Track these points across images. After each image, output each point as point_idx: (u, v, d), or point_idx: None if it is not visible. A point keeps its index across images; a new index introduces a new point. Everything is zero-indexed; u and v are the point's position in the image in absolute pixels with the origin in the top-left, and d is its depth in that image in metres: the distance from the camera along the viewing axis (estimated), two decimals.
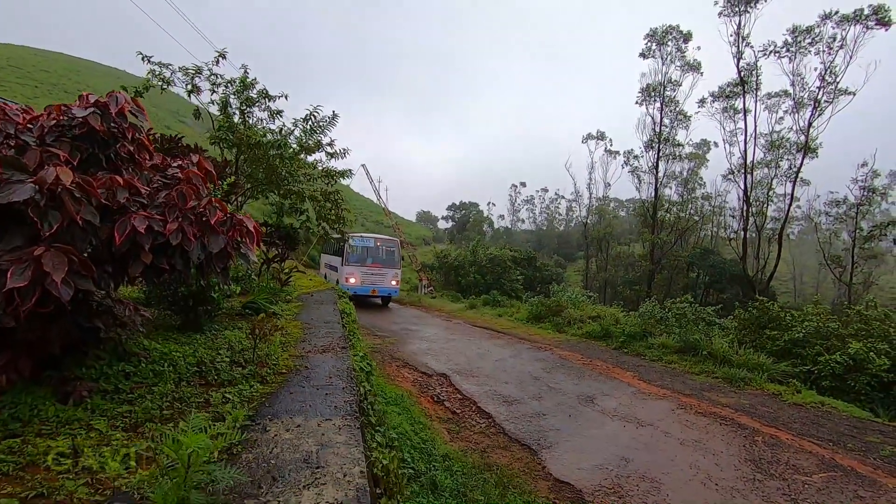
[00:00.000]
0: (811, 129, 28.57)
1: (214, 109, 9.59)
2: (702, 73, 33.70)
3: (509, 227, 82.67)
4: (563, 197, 71.97)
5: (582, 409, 10.48)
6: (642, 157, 39.44)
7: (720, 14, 29.33)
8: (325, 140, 9.97)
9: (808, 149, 28.79)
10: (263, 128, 9.71)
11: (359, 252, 19.32)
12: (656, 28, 33.45)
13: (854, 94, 27.18)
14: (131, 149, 3.88)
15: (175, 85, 8.99)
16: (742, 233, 33.79)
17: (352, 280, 18.52)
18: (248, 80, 9.40)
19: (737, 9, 28.49)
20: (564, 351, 15.64)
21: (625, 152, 42.84)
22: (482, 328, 19.50)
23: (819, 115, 28.19)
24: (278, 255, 9.51)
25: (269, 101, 9.76)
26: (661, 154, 36.19)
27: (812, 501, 6.49)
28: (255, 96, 9.47)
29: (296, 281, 10.67)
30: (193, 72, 8.99)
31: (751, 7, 28.10)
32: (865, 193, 31.85)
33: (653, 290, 32.82)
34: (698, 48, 33.64)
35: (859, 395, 11.39)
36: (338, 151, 10.23)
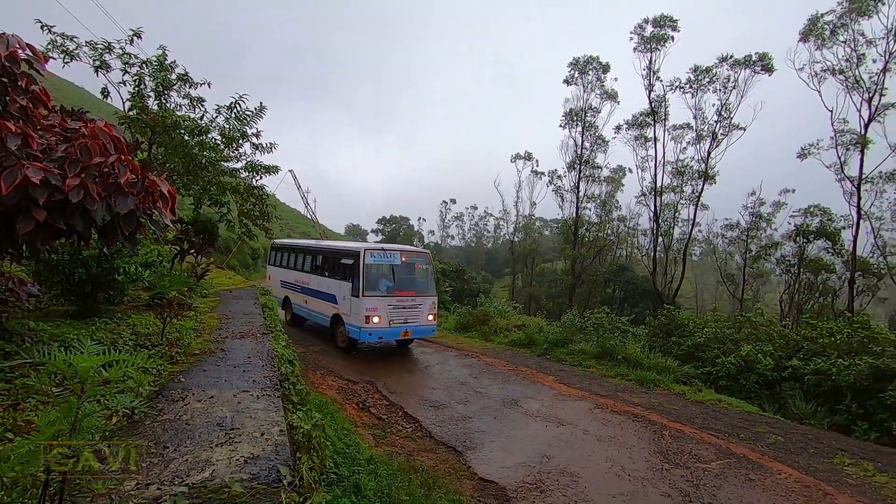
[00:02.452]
0: (710, 159, 31.91)
1: (126, 92, 8.76)
2: (618, 101, 36.62)
3: (439, 242, 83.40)
4: (491, 215, 74.11)
5: (507, 411, 10.67)
6: (565, 176, 41.86)
7: (635, 49, 32.17)
8: (251, 131, 9.48)
9: (707, 176, 32.05)
10: (183, 114, 9.01)
11: (380, 274, 12.38)
12: (578, 58, 35.95)
13: (744, 130, 30.83)
14: (23, 103, 3.44)
15: (79, 59, 8.10)
16: (652, 252, 36.67)
17: (375, 319, 11.70)
18: (165, 61, 8.74)
19: (649, 46, 31.43)
20: (491, 358, 15.87)
21: (549, 172, 45.30)
22: None
23: (716, 146, 31.59)
24: (193, 247, 8.84)
25: (190, 86, 9.12)
26: (582, 174, 38.61)
27: (711, 485, 7.04)
28: (173, 79, 8.81)
29: (213, 278, 9.94)
30: (103, 48, 8.16)
31: (661, 45, 31.16)
32: (753, 219, 35.93)
33: (574, 303, 34.53)
34: (615, 79, 36.61)
35: (749, 393, 12.65)
36: (264, 144, 9.74)
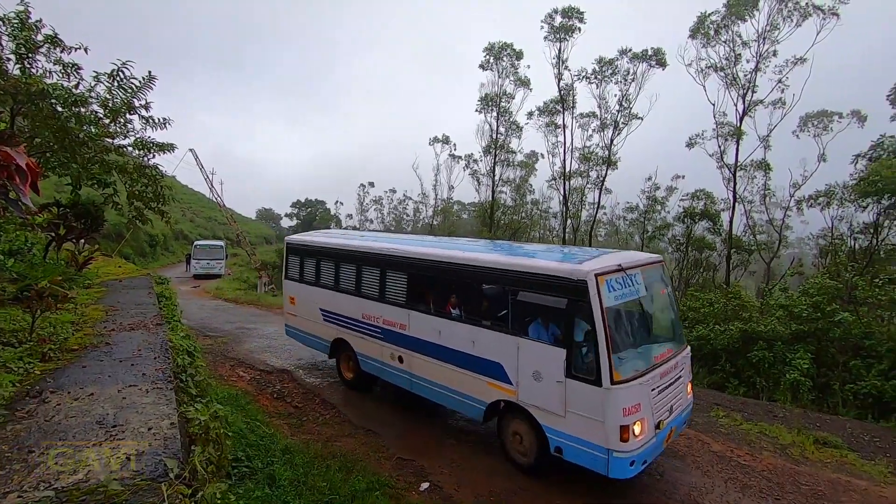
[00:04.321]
0: (612, 146, 34.23)
1: None
2: (531, 89, 37.81)
3: (357, 226, 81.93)
4: (410, 198, 73.56)
5: None
6: (481, 161, 42.77)
7: (545, 38, 33.39)
8: (139, 103, 8.47)
9: (610, 162, 34.42)
10: (55, 82, 7.84)
11: (629, 325, 6.36)
12: (493, 44, 36.59)
13: (642, 119, 33.41)
14: None
15: None
16: (562, 234, 38.78)
17: (637, 428, 5.59)
18: (28, 19, 7.50)
19: (558, 36, 32.76)
20: None
21: (466, 156, 45.94)
22: None
23: (618, 134, 33.94)
24: (73, 233, 7.84)
25: (62, 51, 7.94)
26: (497, 159, 39.71)
27: None
28: (39, 41, 7.60)
29: (99, 268, 8.91)
30: None
31: (569, 36, 32.62)
32: (650, 202, 39.26)
33: None
34: (528, 66, 37.60)
35: None
36: (156, 119, 8.76)
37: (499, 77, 37.44)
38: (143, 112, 8.69)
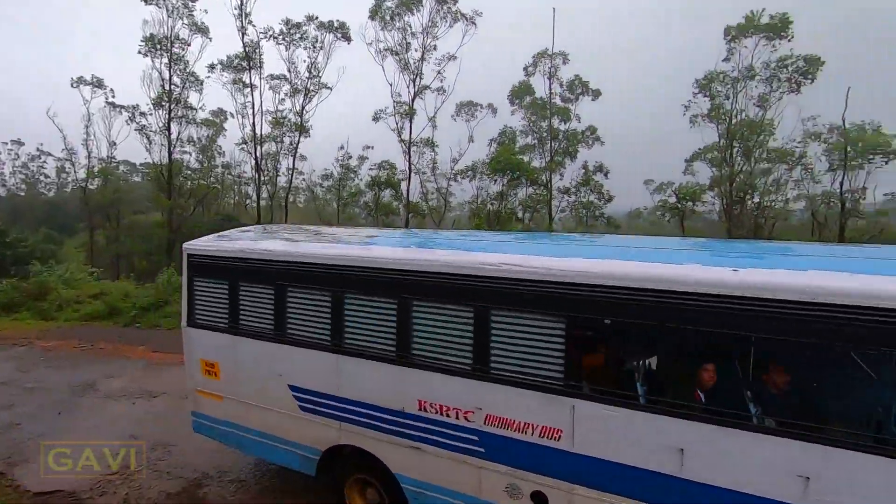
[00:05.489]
0: (305, 113, 34.17)
1: None
2: (210, 38, 33.37)
3: None
4: (50, 154, 55.41)
5: (78, 400, 9.29)
6: (152, 115, 35.72)
7: None
8: None
9: (302, 129, 34.32)
10: None
11: None
12: None
13: (331, 89, 34.33)
14: None
15: None
16: (258, 200, 36.96)
17: None
18: None
19: None
20: (53, 341, 13.03)
21: (131, 107, 37.38)
22: None
23: (309, 101, 34.01)
24: None
25: None
26: (173, 115, 34.00)
27: None
28: None
29: None
30: None
31: None
32: (343, 170, 41.41)
33: (173, 259, 31.07)
34: (206, 12, 32.93)
35: None
36: None
37: (168, 16, 31.79)
38: None
